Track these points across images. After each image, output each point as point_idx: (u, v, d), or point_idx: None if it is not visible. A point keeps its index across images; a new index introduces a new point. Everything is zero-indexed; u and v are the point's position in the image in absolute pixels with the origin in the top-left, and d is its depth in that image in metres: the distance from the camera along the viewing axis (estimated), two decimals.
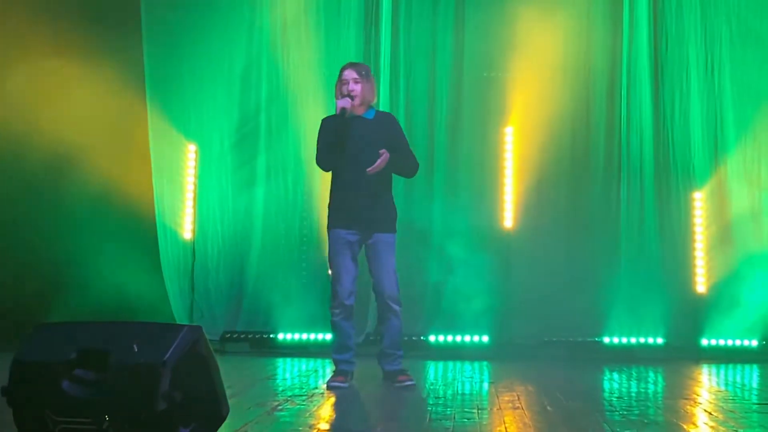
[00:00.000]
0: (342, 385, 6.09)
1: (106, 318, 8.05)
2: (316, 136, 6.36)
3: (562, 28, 8.93)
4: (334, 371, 6.30)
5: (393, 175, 6.31)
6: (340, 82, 6.27)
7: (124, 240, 8.86)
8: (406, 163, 6.28)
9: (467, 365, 7.74)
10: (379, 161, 5.99)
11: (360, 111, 6.25)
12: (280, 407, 5.16)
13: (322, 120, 6.42)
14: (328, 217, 6.33)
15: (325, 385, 6.14)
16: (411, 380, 6.18)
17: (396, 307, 6.20)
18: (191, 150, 9.04)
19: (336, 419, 4.91)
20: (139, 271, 8.86)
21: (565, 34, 8.95)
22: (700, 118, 8.87)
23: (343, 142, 6.13)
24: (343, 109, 6.12)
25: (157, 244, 8.92)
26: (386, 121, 6.37)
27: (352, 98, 6.16)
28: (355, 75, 6.21)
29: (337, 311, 6.22)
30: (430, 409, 5.31)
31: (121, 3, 9.07)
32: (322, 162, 6.28)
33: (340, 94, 6.25)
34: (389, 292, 6.18)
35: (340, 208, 6.23)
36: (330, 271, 6.38)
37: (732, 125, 8.84)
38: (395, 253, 6.29)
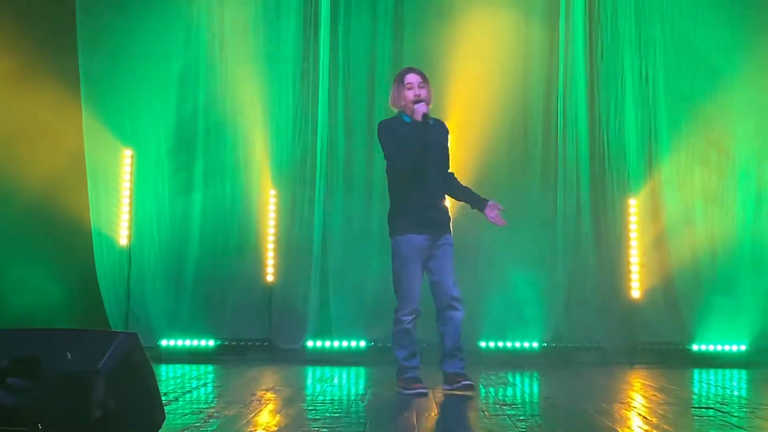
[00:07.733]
0: (423, 390, 5.98)
1: (39, 326, 7.89)
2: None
3: (500, 34, 8.99)
4: (406, 378, 6.11)
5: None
6: (403, 86, 6.18)
7: (59, 246, 8.71)
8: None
9: None
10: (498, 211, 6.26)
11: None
12: (216, 414, 5.12)
13: (383, 123, 6.32)
14: (397, 223, 6.20)
15: (403, 392, 6.01)
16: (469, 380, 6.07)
17: (459, 306, 6.15)
18: (127, 155, 8.92)
19: (275, 426, 4.88)
20: (74, 277, 8.73)
21: (503, 41, 9.00)
22: (635, 126, 8.98)
23: (428, 148, 6.11)
24: (426, 114, 6.09)
25: (92, 251, 8.78)
26: (443, 127, 6.41)
27: (422, 102, 6.12)
28: (420, 79, 6.17)
29: (409, 318, 6.08)
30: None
31: (55, 2, 8.92)
32: (406, 169, 6.12)
33: (402, 99, 6.20)
34: (455, 292, 6.16)
35: (416, 212, 6.14)
36: (397, 278, 6.16)
37: (666, 132, 8.96)
38: None
